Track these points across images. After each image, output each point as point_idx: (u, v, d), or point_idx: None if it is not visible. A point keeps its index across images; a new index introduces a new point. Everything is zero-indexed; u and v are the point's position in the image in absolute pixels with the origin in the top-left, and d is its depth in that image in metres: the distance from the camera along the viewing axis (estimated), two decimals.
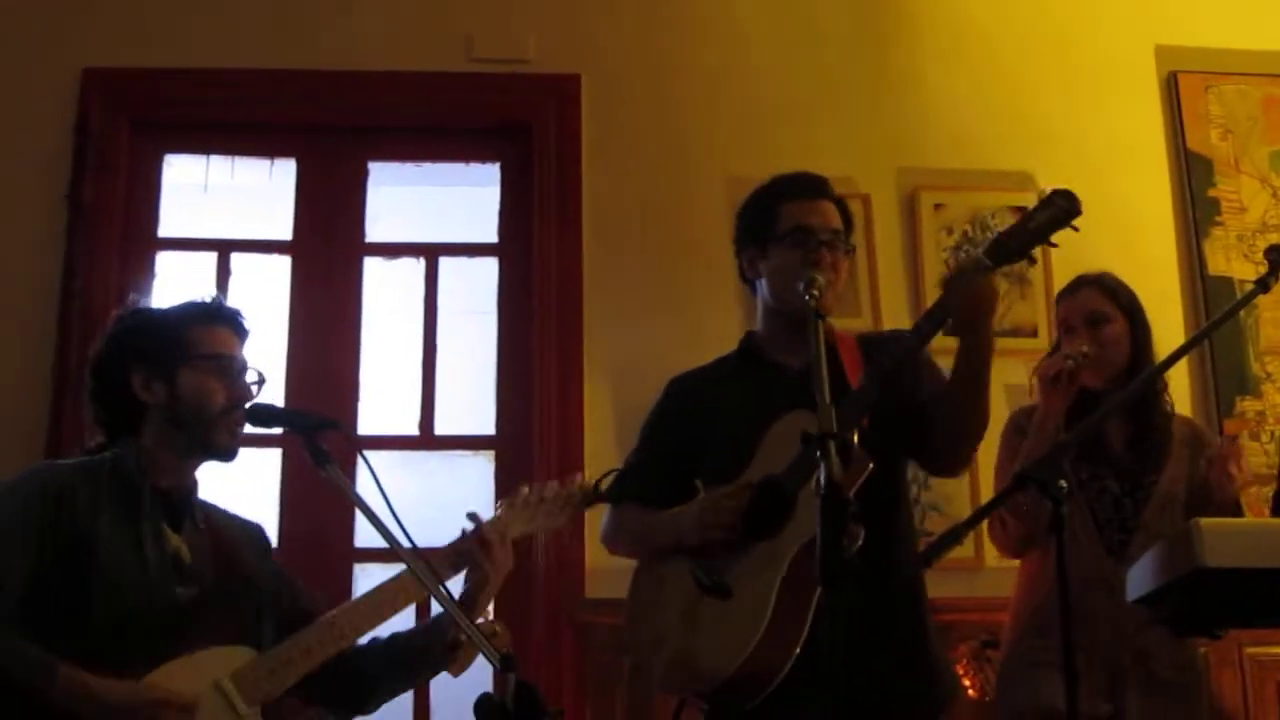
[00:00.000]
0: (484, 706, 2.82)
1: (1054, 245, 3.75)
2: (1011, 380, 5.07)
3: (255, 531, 3.92)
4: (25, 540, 3.38)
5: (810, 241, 3.91)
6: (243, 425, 3.65)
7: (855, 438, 3.55)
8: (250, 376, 3.71)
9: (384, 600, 3.64)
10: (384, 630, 3.79)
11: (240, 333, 3.76)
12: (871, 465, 3.51)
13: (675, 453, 4.07)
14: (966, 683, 4.71)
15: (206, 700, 3.37)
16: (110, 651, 3.30)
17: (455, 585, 3.76)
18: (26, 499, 3.46)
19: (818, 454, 2.93)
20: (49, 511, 3.42)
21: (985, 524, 4.63)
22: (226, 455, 3.69)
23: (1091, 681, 4.18)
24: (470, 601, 3.74)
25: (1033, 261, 3.79)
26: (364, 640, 3.75)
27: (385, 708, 3.97)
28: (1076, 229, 3.68)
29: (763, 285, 4.05)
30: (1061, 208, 3.66)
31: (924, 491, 5.18)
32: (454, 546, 3.79)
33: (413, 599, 3.73)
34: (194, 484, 3.72)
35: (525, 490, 3.94)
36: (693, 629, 3.72)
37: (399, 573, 3.65)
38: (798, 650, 3.55)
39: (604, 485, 4.13)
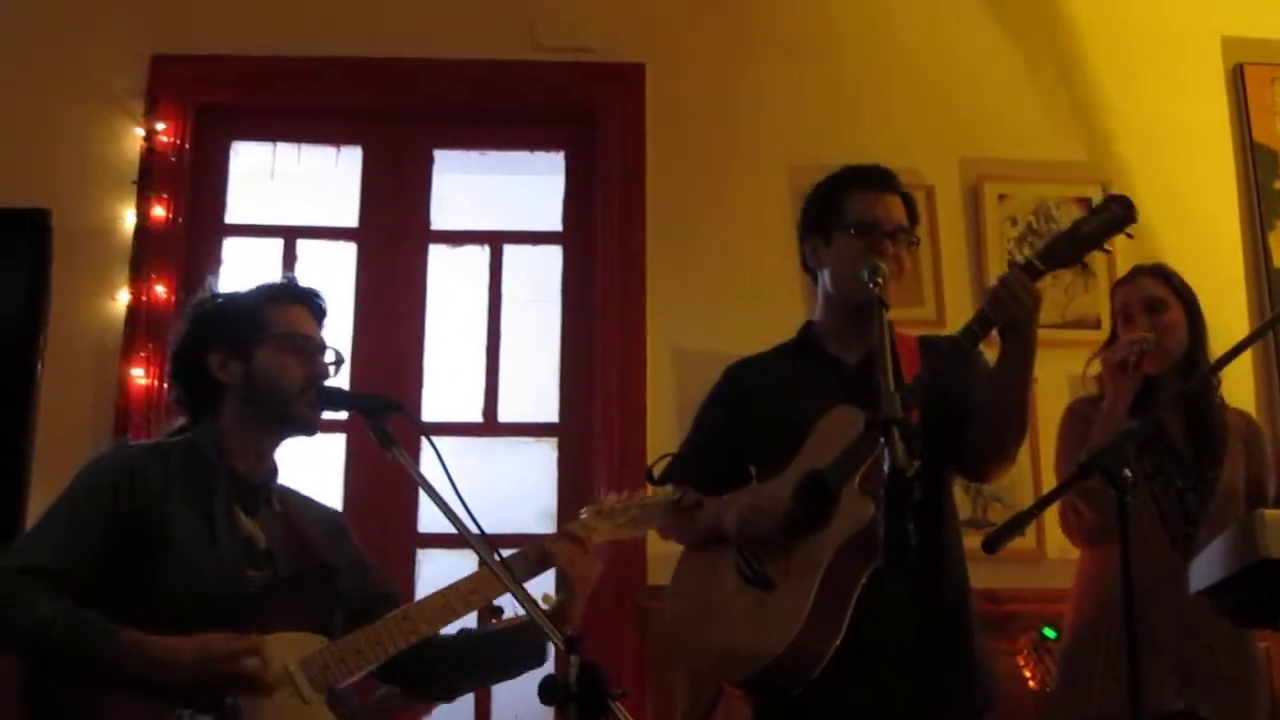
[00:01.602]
0: (549, 687, 2.84)
1: (1108, 251, 3.75)
2: (1076, 371, 5.05)
3: (332, 518, 3.94)
4: (94, 521, 3.43)
5: (874, 233, 3.91)
6: (318, 404, 3.67)
7: None
8: (328, 356, 3.73)
9: (457, 598, 3.64)
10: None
11: (317, 313, 3.78)
12: (917, 463, 3.51)
13: (728, 440, 4.09)
14: (1027, 673, 4.69)
15: (275, 683, 3.39)
16: (179, 631, 3.32)
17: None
18: (97, 480, 3.51)
19: (881, 440, 2.95)
20: (121, 491, 3.47)
21: (1049, 514, 4.64)
22: (307, 429, 3.71)
23: (1161, 677, 4.17)
24: (564, 609, 3.73)
25: (1085, 268, 3.79)
26: (453, 630, 3.79)
27: None
28: (1131, 236, 3.67)
29: (824, 275, 4.06)
30: (1117, 214, 3.66)
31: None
32: (537, 545, 3.79)
33: (485, 599, 3.73)
34: (273, 468, 3.75)
35: (613, 497, 3.94)
36: (734, 619, 3.76)
37: (472, 572, 3.67)
38: (838, 642, 3.59)
39: (657, 471, 4.15)
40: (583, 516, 3.86)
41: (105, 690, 3.27)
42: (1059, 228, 5.55)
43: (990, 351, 3.85)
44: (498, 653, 3.84)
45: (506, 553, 3.53)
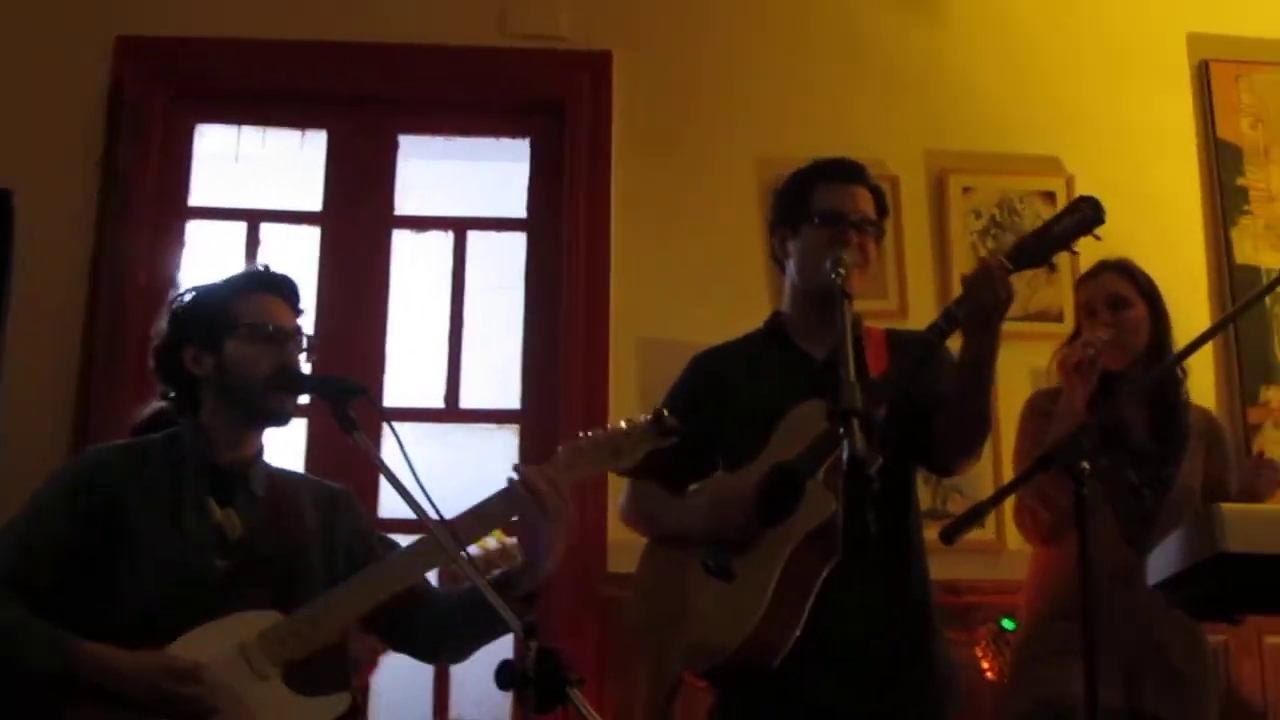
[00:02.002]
0: (505, 673, 2.83)
1: (1076, 253, 3.77)
2: (1038, 365, 5.07)
3: (333, 495, 3.89)
4: (57, 525, 3.45)
5: (840, 224, 3.93)
6: (291, 394, 3.67)
7: None
8: (300, 343, 3.73)
9: (416, 558, 3.61)
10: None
11: (290, 299, 3.77)
12: (881, 459, 3.52)
13: (694, 428, 4.08)
14: (985, 665, 4.71)
15: (227, 665, 3.38)
16: (144, 625, 3.34)
17: None
18: (61, 484, 3.54)
19: (841, 430, 2.96)
20: (87, 493, 3.49)
21: (1008, 507, 4.66)
22: (278, 420, 3.70)
23: (1108, 674, 4.18)
24: (529, 566, 3.66)
25: (1053, 267, 3.80)
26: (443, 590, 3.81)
27: (405, 671, 3.99)
28: (1099, 238, 3.69)
29: (790, 266, 4.08)
30: (1086, 215, 3.68)
31: None
32: (480, 507, 3.67)
33: (444, 559, 3.69)
34: (256, 455, 3.74)
35: (593, 431, 3.78)
36: (696, 609, 3.77)
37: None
38: (797, 632, 3.60)
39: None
40: (559, 453, 3.74)
41: (70, 699, 3.28)
42: (1022, 221, 5.62)
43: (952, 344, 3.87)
44: (479, 614, 3.79)
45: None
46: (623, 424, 3.78)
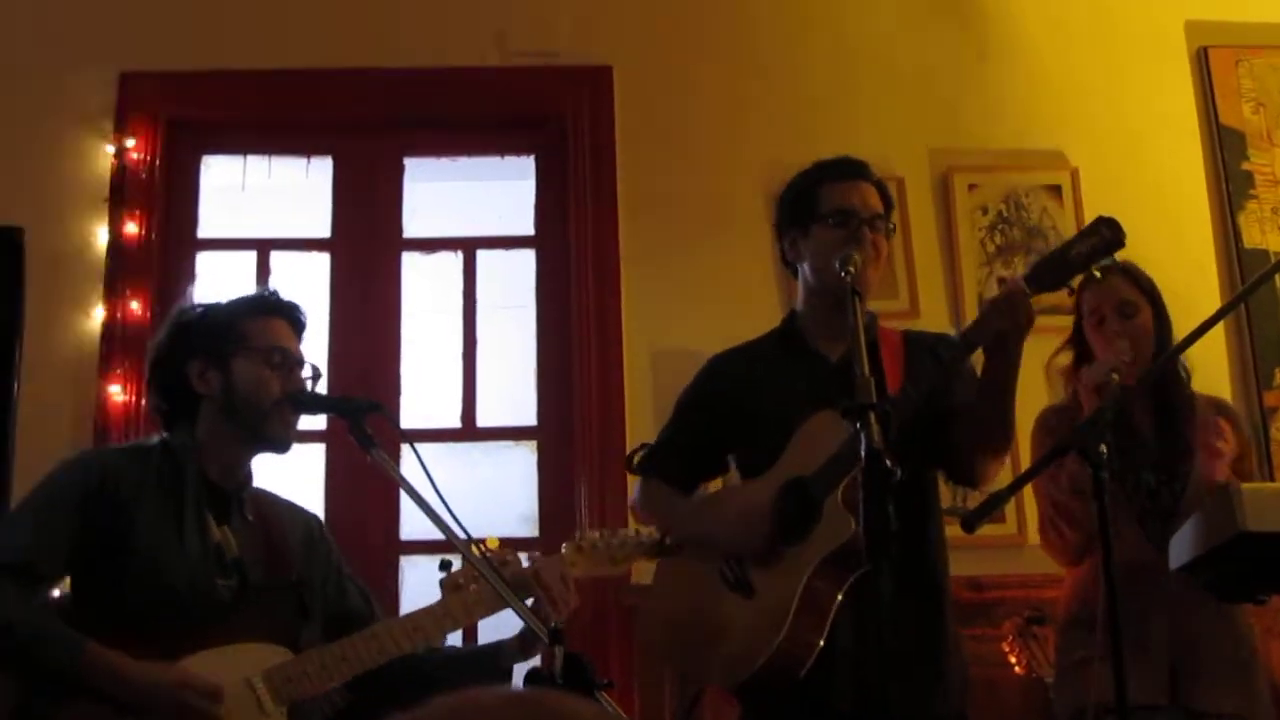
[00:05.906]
0: (535, 679, 2.85)
1: (1096, 276, 3.78)
2: (1044, 357, 5.07)
3: (310, 525, 3.93)
4: (63, 521, 3.46)
5: (852, 221, 3.94)
6: (295, 417, 3.69)
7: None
8: (305, 371, 3.75)
9: (429, 622, 3.64)
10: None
11: (296, 326, 3.80)
12: (899, 472, 3.52)
13: (709, 431, 4.11)
14: (1013, 659, 4.71)
15: (235, 695, 3.40)
16: (146, 635, 3.37)
17: None
18: (66, 480, 3.55)
19: (858, 425, 2.97)
20: (91, 493, 3.50)
21: (1029, 502, 4.64)
22: (280, 446, 3.72)
23: (1149, 673, 4.17)
24: (529, 641, 3.69)
25: (1072, 291, 3.82)
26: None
27: None
28: (1118, 263, 3.71)
29: (804, 267, 4.08)
30: (1105, 237, 3.68)
31: None
32: (516, 571, 3.71)
33: (458, 624, 3.71)
34: (247, 476, 3.76)
35: (593, 533, 3.89)
36: (716, 624, 3.79)
37: (444, 598, 3.67)
38: (821, 643, 3.62)
39: (636, 460, 4.17)
40: (563, 551, 3.83)
41: (67, 698, 3.29)
42: (1029, 215, 5.63)
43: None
44: (462, 674, 3.84)
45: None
46: (624, 533, 3.91)
